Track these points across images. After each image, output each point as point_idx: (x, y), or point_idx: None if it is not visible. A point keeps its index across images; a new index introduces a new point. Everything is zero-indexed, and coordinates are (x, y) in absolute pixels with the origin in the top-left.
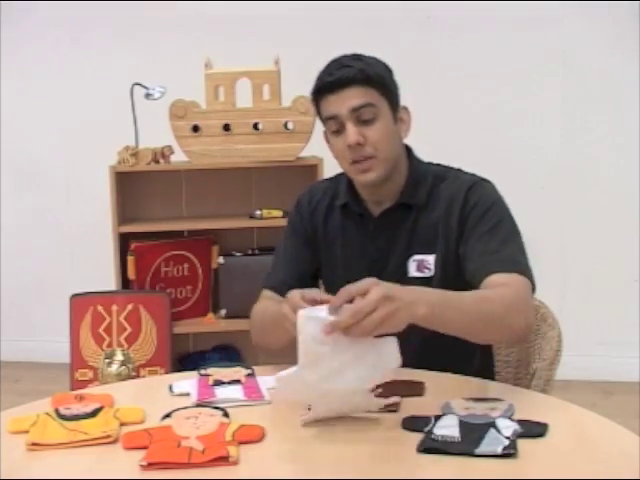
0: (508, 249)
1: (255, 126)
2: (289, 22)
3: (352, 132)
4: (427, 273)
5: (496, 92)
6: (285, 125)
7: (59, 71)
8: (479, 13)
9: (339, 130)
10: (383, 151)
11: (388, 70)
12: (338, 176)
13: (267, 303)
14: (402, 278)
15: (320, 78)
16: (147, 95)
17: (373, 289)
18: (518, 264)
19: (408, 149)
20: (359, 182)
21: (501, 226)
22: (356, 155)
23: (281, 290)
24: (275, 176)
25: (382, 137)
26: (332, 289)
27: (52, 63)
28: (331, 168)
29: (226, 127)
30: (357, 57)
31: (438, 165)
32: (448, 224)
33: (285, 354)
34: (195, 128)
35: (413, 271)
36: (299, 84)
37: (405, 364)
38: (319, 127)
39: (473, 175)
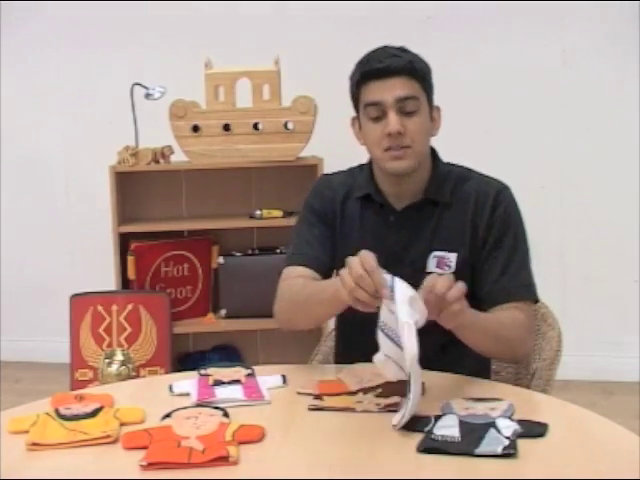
0: (525, 272)
1: (255, 126)
2: (289, 22)
3: (395, 121)
4: (447, 270)
5: (496, 92)
6: (285, 125)
7: (59, 71)
8: (479, 13)
9: (379, 117)
10: (419, 144)
11: (429, 67)
12: (354, 170)
13: (301, 281)
14: (420, 273)
15: (366, 64)
16: (147, 95)
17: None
18: (532, 290)
19: (432, 148)
20: (390, 169)
21: (521, 243)
22: (393, 143)
23: (315, 265)
24: (275, 176)
25: (420, 130)
26: None
27: (52, 63)
28: (331, 168)
29: (226, 127)
30: (404, 49)
31: (458, 166)
32: (476, 225)
33: (286, 353)
34: (195, 128)
35: (432, 267)
36: (299, 84)
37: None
38: (319, 127)
39: (496, 179)
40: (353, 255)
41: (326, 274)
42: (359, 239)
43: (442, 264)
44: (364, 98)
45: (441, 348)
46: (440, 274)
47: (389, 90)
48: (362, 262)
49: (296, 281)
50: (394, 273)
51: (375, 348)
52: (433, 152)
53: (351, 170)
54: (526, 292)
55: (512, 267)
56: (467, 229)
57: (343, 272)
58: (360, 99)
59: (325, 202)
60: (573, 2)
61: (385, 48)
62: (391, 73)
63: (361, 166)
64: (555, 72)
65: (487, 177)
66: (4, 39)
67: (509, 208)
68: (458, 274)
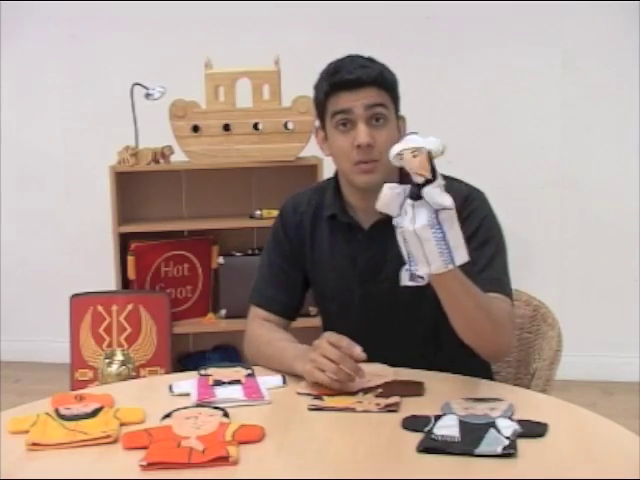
0: (493, 269)
1: (255, 126)
2: (289, 22)
3: (364, 132)
4: (421, 282)
5: (496, 92)
6: (285, 125)
7: (59, 71)
8: (479, 13)
9: (345, 125)
10: (386, 156)
11: (397, 79)
12: (324, 184)
13: (265, 331)
14: (397, 288)
15: (336, 74)
16: (147, 95)
17: None
18: (501, 285)
19: None
20: (359, 183)
21: (490, 243)
22: (363, 157)
23: (273, 308)
24: (275, 176)
25: (388, 142)
26: (324, 299)
27: (52, 63)
28: (331, 168)
29: (226, 127)
30: (372, 59)
31: None
32: None
33: None
34: (195, 128)
35: (406, 280)
36: (299, 84)
37: (406, 363)
38: None
39: (467, 185)
40: (325, 277)
41: (289, 314)
42: (331, 261)
43: (415, 277)
44: (332, 107)
45: (439, 348)
46: (414, 285)
47: (358, 99)
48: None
49: (261, 330)
50: (370, 291)
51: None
52: None
53: (318, 186)
54: (494, 285)
55: (477, 265)
56: None
57: (309, 361)
58: (327, 108)
59: (290, 229)
60: (573, 3)
61: (353, 58)
62: (362, 83)
63: (327, 181)
64: (555, 72)
65: (457, 183)
66: (4, 39)
67: (474, 213)
68: (431, 285)
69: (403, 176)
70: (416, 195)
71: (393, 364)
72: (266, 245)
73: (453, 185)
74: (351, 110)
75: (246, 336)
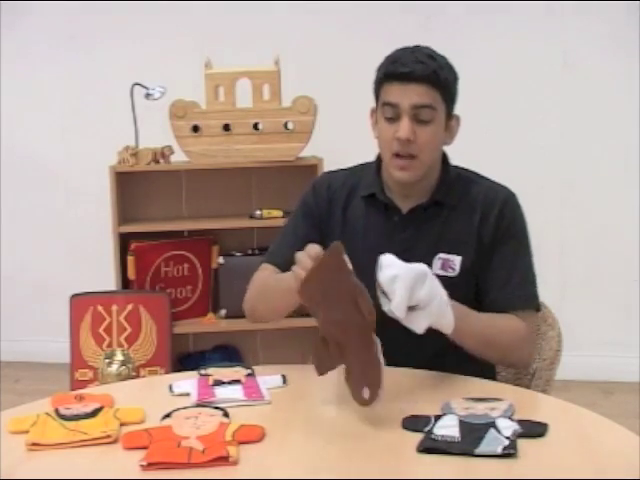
0: (529, 282)
1: (255, 126)
2: (289, 22)
3: (406, 127)
4: (451, 273)
5: (496, 92)
6: (285, 125)
7: (59, 71)
8: (479, 13)
9: (393, 118)
10: (426, 155)
11: (456, 77)
12: (358, 167)
13: (269, 273)
14: None
15: (392, 64)
16: (147, 95)
17: None
18: (534, 301)
19: (443, 153)
20: (394, 177)
21: (525, 252)
22: (401, 150)
23: (285, 269)
24: (275, 176)
25: (431, 141)
26: (357, 272)
27: (52, 63)
28: (331, 168)
29: (226, 127)
30: (432, 56)
31: (466, 170)
32: (481, 233)
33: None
34: (195, 128)
35: (437, 269)
36: (299, 84)
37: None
38: (319, 127)
39: (499, 185)
40: (356, 255)
41: None
42: (364, 239)
43: (447, 266)
44: (383, 97)
45: (440, 353)
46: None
47: (408, 95)
48: (308, 253)
49: (267, 272)
50: None
51: None
52: (443, 156)
53: (354, 169)
54: (528, 303)
55: (515, 277)
56: (472, 235)
57: (294, 267)
58: (380, 96)
59: (320, 203)
60: (573, 3)
61: (414, 51)
62: (413, 79)
63: (364, 165)
64: (556, 72)
65: (495, 183)
66: (4, 39)
67: (515, 218)
68: (461, 278)
69: (443, 179)
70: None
71: (405, 358)
72: (292, 214)
73: (492, 185)
74: (398, 105)
75: (248, 287)
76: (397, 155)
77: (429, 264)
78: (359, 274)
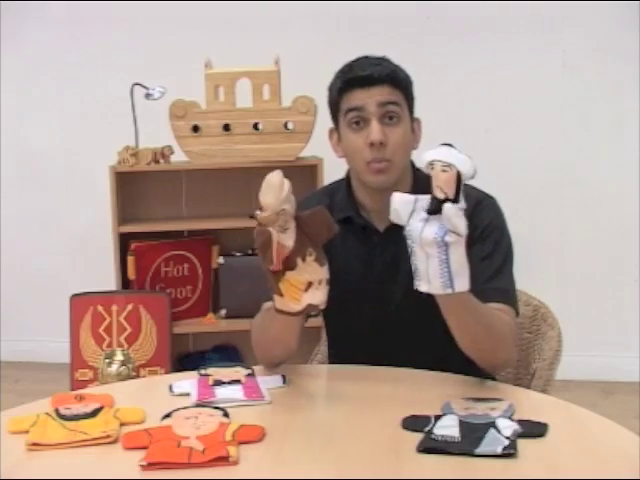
0: (501, 280)
1: (255, 126)
2: (289, 22)
3: (377, 129)
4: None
5: (496, 92)
6: (285, 125)
7: (59, 71)
8: (479, 13)
9: (359, 123)
10: (399, 156)
11: (411, 79)
12: (330, 187)
13: (262, 313)
14: (411, 286)
15: (349, 72)
16: (147, 95)
17: None
18: (508, 296)
19: (411, 160)
20: (371, 183)
21: (499, 252)
22: (375, 155)
23: None
24: None
25: (401, 142)
26: (343, 300)
27: (52, 63)
28: (331, 168)
29: (226, 127)
30: (386, 59)
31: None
32: None
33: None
34: (195, 128)
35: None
36: (299, 84)
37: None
38: (319, 127)
39: (478, 191)
40: (338, 279)
41: None
42: (345, 263)
43: None
44: (345, 105)
45: (451, 350)
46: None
47: (372, 96)
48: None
49: (261, 314)
50: (388, 293)
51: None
52: (412, 164)
53: (325, 190)
54: (503, 297)
55: (487, 272)
56: None
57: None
58: (341, 107)
59: None
60: (573, 3)
61: (367, 58)
62: (375, 81)
63: (334, 184)
64: (555, 73)
65: (470, 188)
66: (4, 39)
67: (485, 220)
68: None
69: (416, 183)
70: (433, 210)
71: (403, 364)
72: None
73: (465, 189)
74: (364, 107)
75: (252, 338)
76: (371, 162)
77: (412, 280)
78: (339, 298)
